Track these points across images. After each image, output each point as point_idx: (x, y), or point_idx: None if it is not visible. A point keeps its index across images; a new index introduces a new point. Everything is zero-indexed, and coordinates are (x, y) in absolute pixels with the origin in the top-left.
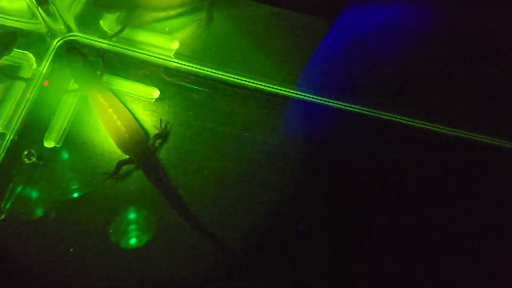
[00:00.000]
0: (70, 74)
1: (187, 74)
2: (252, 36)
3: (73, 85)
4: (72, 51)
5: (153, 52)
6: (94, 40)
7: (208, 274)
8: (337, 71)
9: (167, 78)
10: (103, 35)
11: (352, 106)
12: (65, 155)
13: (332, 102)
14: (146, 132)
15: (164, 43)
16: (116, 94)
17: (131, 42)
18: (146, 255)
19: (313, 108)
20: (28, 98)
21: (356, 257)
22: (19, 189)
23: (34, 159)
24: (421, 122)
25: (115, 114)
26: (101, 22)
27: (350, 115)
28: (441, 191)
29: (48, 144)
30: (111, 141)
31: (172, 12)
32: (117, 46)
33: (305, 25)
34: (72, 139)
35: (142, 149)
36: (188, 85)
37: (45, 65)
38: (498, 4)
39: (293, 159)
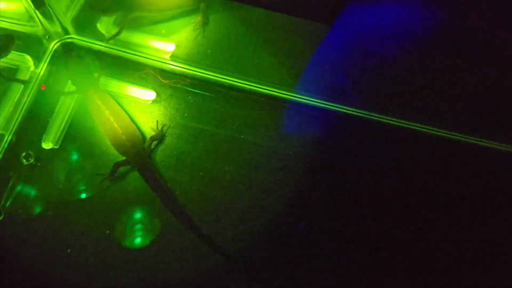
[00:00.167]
0: (67, 76)
1: (183, 77)
2: (248, 38)
3: (70, 87)
4: (70, 53)
5: (150, 55)
6: (91, 43)
7: (206, 275)
8: (335, 73)
9: (163, 80)
10: (100, 37)
11: (350, 109)
12: (63, 157)
13: (330, 105)
14: (142, 134)
15: (160, 45)
16: (112, 96)
17: (128, 45)
18: (143, 255)
19: (310, 111)
20: (26, 100)
21: (356, 258)
22: (17, 190)
23: (32, 160)
24: (421, 126)
25: (112, 116)
26: (98, 24)
27: (348, 117)
28: (440, 193)
29: (46, 145)
30: (108, 143)
31: (169, 15)
32: (114, 49)
33: (301, 27)
34: (70, 141)
35: (138, 150)
36: (184, 87)
37: (43, 67)
38: (498, 4)
39: (290, 161)
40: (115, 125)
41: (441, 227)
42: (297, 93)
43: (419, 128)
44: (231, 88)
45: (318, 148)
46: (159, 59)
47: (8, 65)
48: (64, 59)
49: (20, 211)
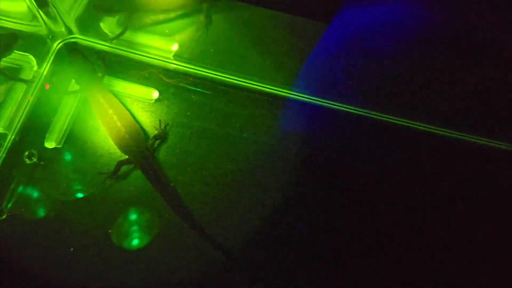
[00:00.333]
0: (71, 75)
1: (186, 76)
2: (250, 38)
3: (73, 86)
4: (74, 53)
5: (153, 54)
6: (95, 42)
7: (207, 274)
8: (335, 71)
9: (166, 80)
10: (104, 37)
11: (351, 107)
12: (66, 156)
13: (331, 103)
14: (145, 133)
15: (163, 45)
16: (116, 95)
17: (131, 44)
18: (145, 255)
19: (312, 109)
20: (29, 100)
21: (356, 258)
22: (20, 189)
23: (35, 160)
24: (420, 124)
25: (115, 115)
26: (101, 24)
27: (348, 117)
28: (440, 192)
29: (49, 144)
30: (111, 142)
31: (172, 15)
32: (117, 48)
33: (303, 26)
34: (73, 140)
35: (141, 149)
36: (187, 86)
37: (46, 67)
38: (498, 4)
39: (292, 160)
40: (119, 124)
41: (441, 227)
42: (299, 92)
43: (419, 127)
44: (234, 87)
45: (319, 147)
46: (162, 59)
47: (11, 65)
48: (68, 58)
49: (22, 210)
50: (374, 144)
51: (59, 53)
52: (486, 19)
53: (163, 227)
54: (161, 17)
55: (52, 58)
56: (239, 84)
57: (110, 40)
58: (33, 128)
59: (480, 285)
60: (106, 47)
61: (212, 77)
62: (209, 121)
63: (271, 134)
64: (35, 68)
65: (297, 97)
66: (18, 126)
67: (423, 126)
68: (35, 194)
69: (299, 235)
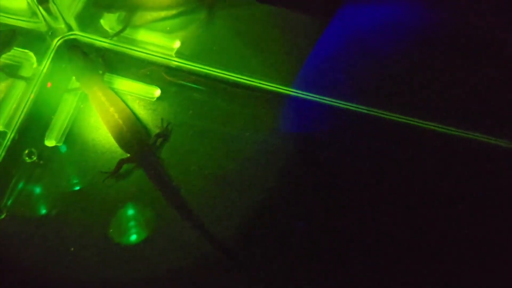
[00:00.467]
0: (71, 72)
1: (187, 74)
2: (252, 35)
3: (73, 84)
4: (74, 49)
5: (154, 52)
6: (95, 39)
7: (208, 274)
8: (336, 69)
9: (168, 78)
10: (104, 34)
11: (352, 105)
12: (66, 154)
13: (331, 101)
14: (147, 131)
15: (165, 42)
16: (117, 93)
17: (132, 41)
18: (146, 254)
19: (312, 107)
20: (29, 98)
21: (356, 258)
22: (19, 188)
23: (34, 158)
24: (419, 121)
25: (116, 113)
26: (101, 21)
27: (349, 114)
28: (440, 190)
29: (49, 143)
30: (112, 140)
31: (173, 12)
32: (118, 45)
33: (304, 24)
34: (73, 138)
35: (143, 147)
36: (188, 84)
37: (46, 64)
38: (498, 4)
39: (293, 159)
40: (120, 122)
41: (441, 227)
42: (301, 90)
43: (419, 124)
44: (236, 85)
45: (319, 147)
46: (164, 56)
47: (11, 62)
48: (68, 55)
49: (22, 208)
50: (374, 144)
51: (59, 50)
52: (486, 19)
53: (164, 226)
54: (163, 14)
55: (52, 55)
56: (241, 82)
57: (111, 37)
58: (33, 126)
59: (480, 285)
60: (107, 44)
61: (214, 75)
62: (211, 120)
63: (273, 132)
64: (35, 65)
65: (298, 95)
66: (17, 124)
67: (423, 125)
68: (35, 192)
69: (299, 235)
